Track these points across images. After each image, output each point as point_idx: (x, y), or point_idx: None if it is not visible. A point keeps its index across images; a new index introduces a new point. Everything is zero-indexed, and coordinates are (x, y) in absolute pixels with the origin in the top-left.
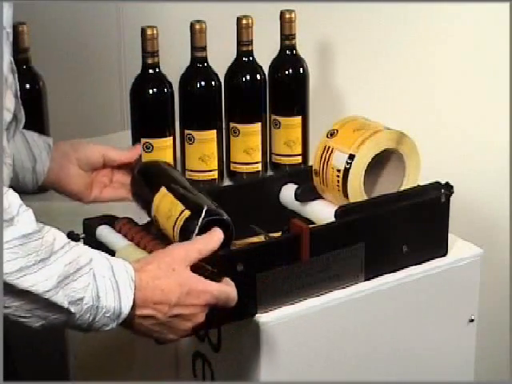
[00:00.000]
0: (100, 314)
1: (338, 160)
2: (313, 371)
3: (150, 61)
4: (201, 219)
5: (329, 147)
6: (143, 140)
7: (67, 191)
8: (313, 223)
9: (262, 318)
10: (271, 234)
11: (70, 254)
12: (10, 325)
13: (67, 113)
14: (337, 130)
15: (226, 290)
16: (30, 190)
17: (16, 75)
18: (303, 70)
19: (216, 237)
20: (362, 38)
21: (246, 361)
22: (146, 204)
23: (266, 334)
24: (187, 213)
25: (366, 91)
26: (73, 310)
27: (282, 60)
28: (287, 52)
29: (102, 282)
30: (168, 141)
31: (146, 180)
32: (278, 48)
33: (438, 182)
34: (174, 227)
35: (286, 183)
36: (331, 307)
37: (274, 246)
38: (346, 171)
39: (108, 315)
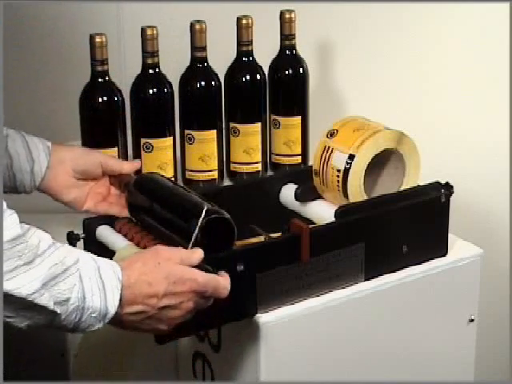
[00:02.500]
0: (86, 315)
1: (338, 160)
2: (313, 371)
3: (149, 61)
4: (201, 219)
5: (329, 147)
6: (143, 140)
7: (59, 200)
8: (313, 223)
9: (262, 318)
10: (271, 234)
11: (56, 255)
12: (10, 324)
13: (68, 112)
14: (337, 130)
15: (215, 278)
16: (28, 191)
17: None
18: (303, 70)
19: (197, 254)
20: (362, 38)
21: (245, 361)
22: (144, 214)
23: (265, 334)
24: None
25: (366, 91)
26: (58, 310)
27: (281, 60)
28: (287, 52)
29: (89, 283)
30: (168, 141)
31: (143, 191)
32: (278, 48)
33: (437, 182)
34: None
35: (286, 183)
36: (331, 307)
37: (274, 246)
38: (346, 171)
39: (94, 315)
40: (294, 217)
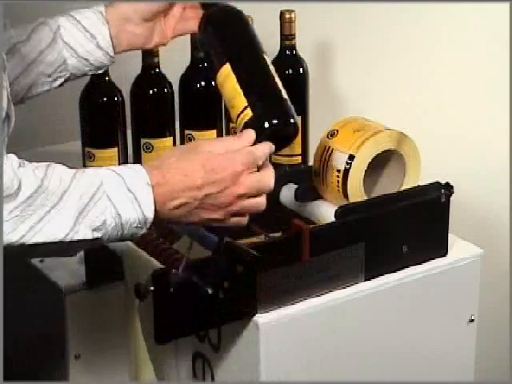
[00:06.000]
0: (127, 228)
1: (338, 160)
2: (313, 371)
3: (149, 61)
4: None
5: (329, 147)
6: (143, 140)
7: (133, 47)
8: (313, 223)
9: (262, 318)
10: (271, 234)
11: (80, 186)
12: (10, 325)
13: (68, 112)
14: (337, 131)
15: (262, 149)
16: (109, 63)
17: (6, 72)
18: (303, 70)
19: (248, 138)
20: (362, 38)
21: (245, 361)
22: (210, 63)
23: (265, 334)
24: (248, 114)
25: (366, 91)
26: (99, 235)
27: (281, 60)
28: (287, 52)
29: (119, 199)
30: (168, 141)
31: (217, 38)
32: (278, 48)
33: (437, 182)
34: (236, 119)
35: (286, 183)
36: (331, 307)
37: (274, 246)
38: (346, 171)
39: (134, 225)
40: (294, 217)
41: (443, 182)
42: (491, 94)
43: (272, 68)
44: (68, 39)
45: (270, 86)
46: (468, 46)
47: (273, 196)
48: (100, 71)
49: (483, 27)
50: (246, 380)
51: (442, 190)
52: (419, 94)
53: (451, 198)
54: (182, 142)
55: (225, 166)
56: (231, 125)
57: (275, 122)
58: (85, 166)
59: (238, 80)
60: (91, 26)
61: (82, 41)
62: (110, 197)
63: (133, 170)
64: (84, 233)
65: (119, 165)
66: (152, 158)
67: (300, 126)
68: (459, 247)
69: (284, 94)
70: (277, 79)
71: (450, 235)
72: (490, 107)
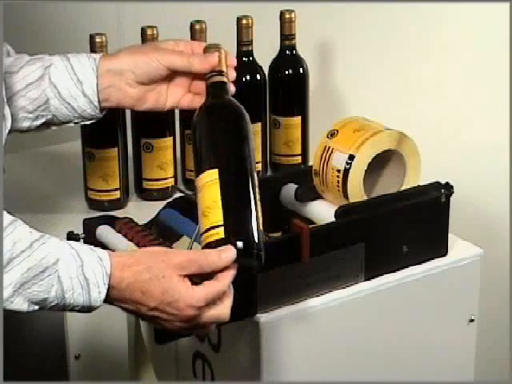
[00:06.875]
0: (68, 308)
1: (338, 160)
2: (313, 371)
3: None
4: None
5: (329, 147)
6: (143, 140)
7: (138, 110)
8: (313, 223)
9: (262, 318)
10: (271, 234)
11: (32, 258)
12: (10, 324)
13: None
14: (337, 131)
15: (215, 310)
16: (97, 115)
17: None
18: (303, 70)
19: (226, 258)
20: (362, 38)
21: (246, 361)
22: (195, 158)
23: (266, 334)
24: (220, 233)
25: (366, 91)
26: (36, 307)
27: (281, 60)
28: (287, 52)
29: (68, 283)
30: (168, 141)
31: (209, 136)
32: (278, 48)
33: (438, 182)
34: (203, 233)
35: (286, 183)
36: (331, 307)
37: (274, 246)
38: (346, 171)
39: (77, 309)
40: (294, 217)
41: (443, 182)
42: (491, 93)
43: (257, 188)
44: (55, 79)
45: (249, 212)
46: (468, 46)
47: (273, 196)
48: (87, 122)
49: (483, 27)
50: (246, 380)
51: (442, 190)
52: (419, 93)
53: (451, 198)
54: (183, 142)
55: (182, 307)
56: None
57: (250, 240)
58: (85, 165)
59: (222, 195)
60: (81, 71)
61: (67, 83)
62: (61, 278)
63: (95, 259)
64: (20, 304)
65: (119, 165)
66: (152, 158)
67: (300, 125)
68: (459, 247)
69: (260, 224)
70: (258, 200)
71: (450, 235)
72: (490, 107)
